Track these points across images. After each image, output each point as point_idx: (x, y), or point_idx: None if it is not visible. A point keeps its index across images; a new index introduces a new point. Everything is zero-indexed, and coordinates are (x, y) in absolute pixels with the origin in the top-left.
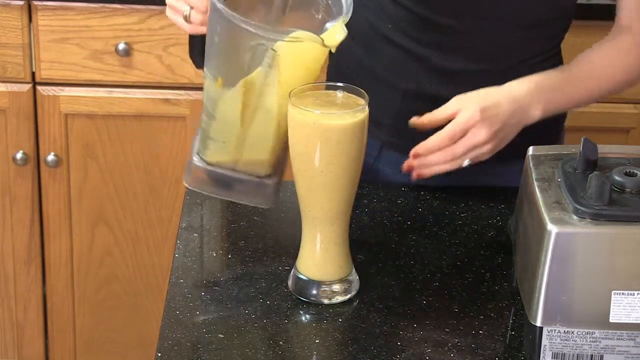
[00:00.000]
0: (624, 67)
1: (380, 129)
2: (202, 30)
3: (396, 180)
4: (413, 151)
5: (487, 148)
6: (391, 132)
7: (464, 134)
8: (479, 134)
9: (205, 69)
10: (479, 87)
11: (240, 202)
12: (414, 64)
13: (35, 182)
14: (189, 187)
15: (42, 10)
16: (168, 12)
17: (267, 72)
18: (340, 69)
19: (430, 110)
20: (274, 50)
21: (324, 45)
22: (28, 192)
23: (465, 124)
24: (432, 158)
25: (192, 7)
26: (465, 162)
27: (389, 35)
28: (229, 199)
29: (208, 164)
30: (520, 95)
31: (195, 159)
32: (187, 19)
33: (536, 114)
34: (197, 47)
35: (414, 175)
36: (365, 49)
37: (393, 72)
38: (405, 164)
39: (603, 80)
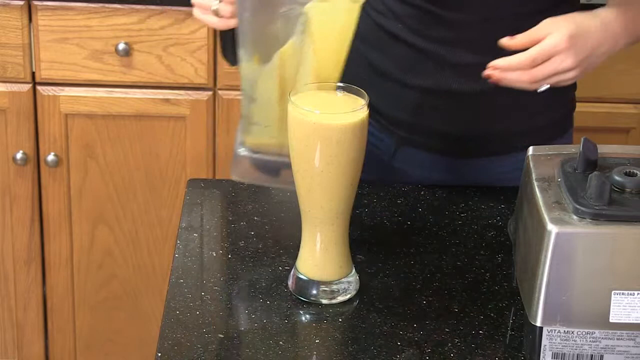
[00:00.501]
0: None
1: (397, 126)
2: (233, 23)
3: (413, 175)
4: (492, 64)
5: (570, 75)
6: (409, 128)
7: (547, 59)
8: (565, 62)
9: (240, 52)
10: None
11: (292, 189)
12: (427, 61)
13: (35, 182)
14: (238, 180)
15: (42, 10)
16: (196, 12)
17: (300, 40)
18: (352, 73)
19: (447, 105)
20: (304, 13)
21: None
22: (28, 192)
23: (550, 50)
24: (510, 76)
25: (220, 0)
26: (544, 87)
27: (399, 34)
28: (280, 186)
29: (254, 152)
30: (610, 23)
31: (240, 150)
32: (217, 13)
33: (621, 42)
34: (229, 43)
35: (492, 79)
36: (377, 50)
37: (406, 70)
38: (485, 72)
39: None
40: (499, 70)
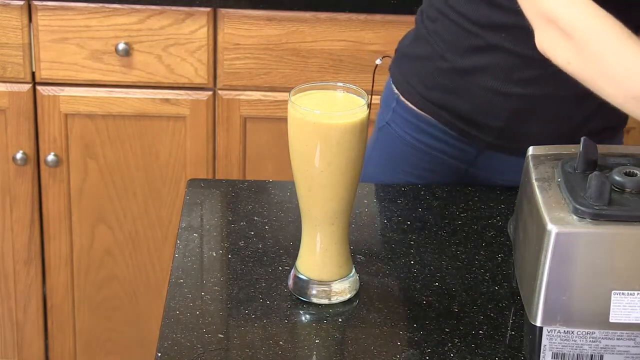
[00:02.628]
0: None
1: (484, 132)
2: None
3: (495, 181)
4: None
5: None
6: (499, 134)
7: None
8: None
9: None
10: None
11: None
12: (527, 68)
13: (35, 182)
14: None
15: (42, 10)
16: None
17: None
18: (434, 80)
19: (544, 109)
20: None
21: None
22: (28, 192)
23: None
24: None
25: None
26: None
27: (498, 43)
28: None
29: None
30: None
31: None
32: None
33: None
34: None
35: None
36: (466, 58)
37: (503, 78)
38: None
39: None
40: None
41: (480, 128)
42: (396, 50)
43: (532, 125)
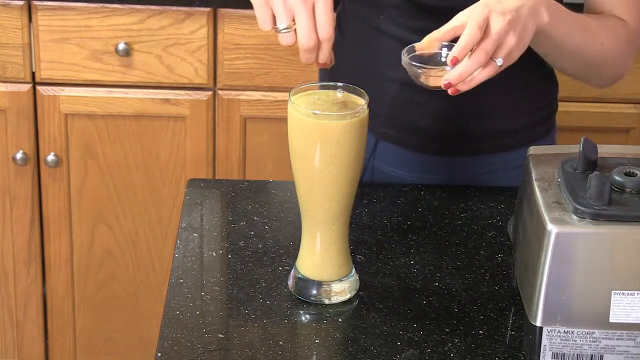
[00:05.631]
0: (613, 39)
1: (376, 121)
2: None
3: (391, 172)
4: (450, 57)
5: (512, 41)
6: (387, 123)
7: (486, 23)
8: (498, 23)
9: None
10: None
11: None
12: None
13: (35, 182)
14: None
15: (42, 10)
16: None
17: None
18: (335, 67)
19: (426, 97)
20: None
21: None
22: (28, 192)
23: (481, 16)
24: (468, 65)
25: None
26: (499, 62)
27: (380, 25)
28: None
29: None
30: None
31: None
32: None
33: (544, 14)
34: None
35: (451, 91)
36: (358, 43)
37: (387, 63)
38: (443, 80)
39: (594, 38)
40: (459, 61)
41: (373, 116)
42: None
43: (415, 116)
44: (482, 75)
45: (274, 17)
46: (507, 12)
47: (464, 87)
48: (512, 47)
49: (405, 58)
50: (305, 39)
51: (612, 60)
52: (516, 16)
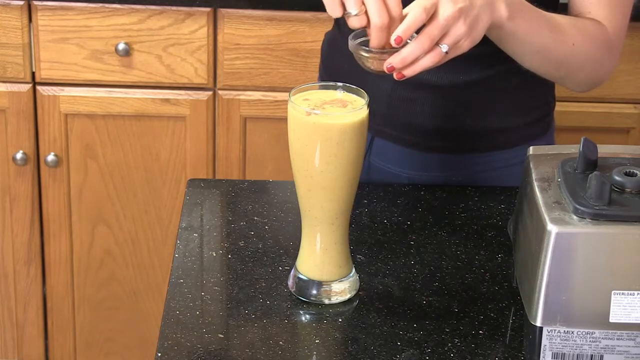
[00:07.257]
0: (586, 40)
1: (372, 118)
2: None
3: (387, 169)
4: (394, 36)
5: (461, 29)
6: (383, 120)
7: (434, 8)
8: (447, 9)
9: None
10: (468, 68)
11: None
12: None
13: (35, 182)
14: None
15: (42, 10)
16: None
17: None
18: (331, 65)
19: (421, 95)
20: None
21: None
22: (28, 192)
23: (430, 1)
24: (412, 49)
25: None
26: (445, 48)
27: None
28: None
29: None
30: None
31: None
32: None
33: (502, 9)
34: None
35: (397, 76)
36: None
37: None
38: (386, 63)
39: (564, 37)
40: (403, 40)
41: (369, 112)
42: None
43: (410, 114)
44: (426, 61)
45: (342, 4)
46: (460, 1)
47: (408, 72)
48: (460, 36)
49: (352, 42)
50: (378, 17)
51: (587, 63)
52: (469, 6)
